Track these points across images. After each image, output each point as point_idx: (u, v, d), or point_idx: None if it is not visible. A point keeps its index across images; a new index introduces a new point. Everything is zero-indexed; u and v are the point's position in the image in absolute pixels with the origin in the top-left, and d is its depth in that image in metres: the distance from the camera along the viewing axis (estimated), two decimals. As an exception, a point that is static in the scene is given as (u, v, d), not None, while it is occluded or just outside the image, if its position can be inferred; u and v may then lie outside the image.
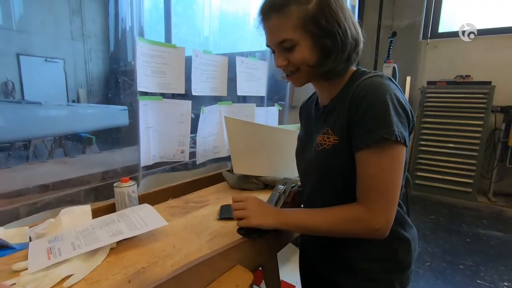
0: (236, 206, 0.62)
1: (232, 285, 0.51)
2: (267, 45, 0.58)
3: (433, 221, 2.63)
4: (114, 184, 0.83)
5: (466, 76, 3.23)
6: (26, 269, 0.51)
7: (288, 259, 1.33)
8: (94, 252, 0.57)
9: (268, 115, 1.63)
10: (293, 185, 0.73)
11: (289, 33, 0.52)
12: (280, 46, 0.55)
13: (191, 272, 0.48)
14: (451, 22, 3.54)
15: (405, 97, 0.54)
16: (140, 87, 0.98)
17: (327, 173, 0.59)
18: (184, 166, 1.27)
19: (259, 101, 1.59)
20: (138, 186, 1.06)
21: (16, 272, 0.52)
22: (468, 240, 2.29)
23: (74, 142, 3.11)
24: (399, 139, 0.48)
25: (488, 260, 2.00)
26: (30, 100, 3.12)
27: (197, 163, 1.24)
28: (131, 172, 1.02)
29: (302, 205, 0.74)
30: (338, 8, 0.51)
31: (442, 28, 3.52)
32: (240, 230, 0.61)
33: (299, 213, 0.60)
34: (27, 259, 0.55)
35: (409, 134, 0.53)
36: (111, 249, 0.60)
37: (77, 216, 0.71)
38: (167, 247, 0.62)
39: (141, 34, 1.04)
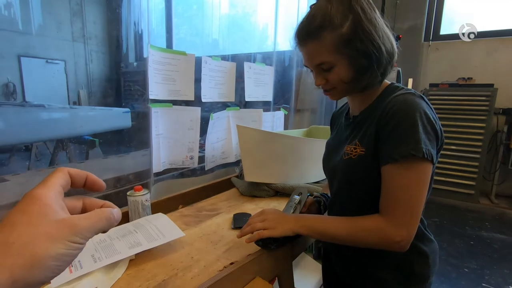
0: (256, 219, 0.63)
1: (254, 299, 0.51)
2: (305, 65, 0.60)
3: (436, 223, 2.63)
4: (128, 193, 0.84)
5: (468, 78, 3.24)
6: (49, 283, 0.52)
7: (296, 265, 1.33)
8: (115, 264, 0.57)
9: (275, 120, 1.63)
10: (308, 194, 0.74)
11: (325, 57, 0.55)
12: (318, 68, 0.57)
13: (214, 286, 0.48)
14: (453, 24, 3.55)
15: (436, 115, 0.55)
16: (152, 95, 0.98)
17: (350, 181, 0.60)
18: (193, 172, 1.27)
19: (265, 105, 1.59)
20: (149, 192, 1.06)
21: None
22: (472, 242, 2.30)
23: (77, 144, 3.11)
24: (426, 156, 0.49)
25: (493, 263, 2.00)
26: (33, 102, 3.12)
27: (206, 169, 1.25)
28: (142, 178, 1.02)
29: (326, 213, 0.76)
30: (371, 27, 0.52)
31: (443, 31, 3.53)
32: (258, 241, 0.61)
33: (318, 218, 0.62)
34: (48, 272, 0.55)
35: (438, 152, 0.54)
36: (130, 260, 0.60)
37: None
38: (185, 258, 0.62)
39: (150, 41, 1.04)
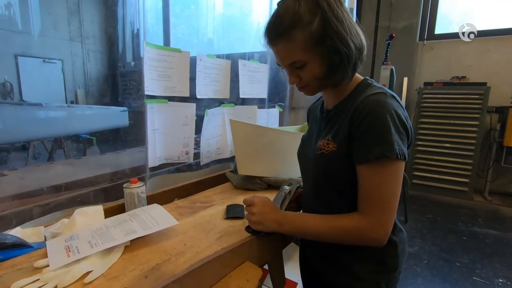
0: (246, 210, 0.67)
1: (243, 280, 0.54)
2: (278, 64, 0.61)
3: (430, 220, 2.68)
4: (124, 185, 0.86)
5: (462, 77, 3.29)
6: (48, 266, 0.54)
7: (290, 258, 1.36)
8: (110, 250, 0.60)
9: (269, 117, 1.66)
10: (297, 185, 0.77)
11: (297, 56, 0.55)
12: (290, 66, 0.58)
13: (205, 267, 0.51)
14: (447, 24, 3.60)
15: (406, 113, 0.57)
16: (147, 91, 1.00)
17: (323, 175, 0.63)
18: (188, 167, 1.30)
19: (260, 102, 1.62)
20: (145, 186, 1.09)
21: (38, 269, 0.54)
22: (464, 238, 2.34)
23: (75, 143, 3.13)
24: (399, 156, 0.52)
25: (484, 258, 2.04)
26: (30, 101, 3.13)
27: (201, 164, 1.28)
28: (138, 173, 1.05)
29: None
30: (339, 24, 0.53)
31: (438, 30, 3.58)
32: (248, 228, 0.64)
33: (301, 219, 0.63)
34: (46, 257, 0.58)
35: (407, 148, 0.56)
36: (126, 247, 0.63)
37: (90, 216, 0.74)
38: (178, 245, 0.65)
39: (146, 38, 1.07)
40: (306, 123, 1.78)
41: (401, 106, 0.56)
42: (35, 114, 2.78)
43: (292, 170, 1.10)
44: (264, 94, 1.56)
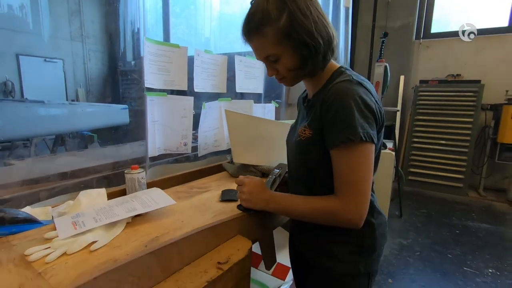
0: (237, 189, 0.72)
1: (233, 249, 0.59)
2: (256, 58, 0.66)
3: (424, 214, 2.73)
4: (125, 171, 0.92)
5: (457, 75, 3.35)
6: (57, 236, 0.60)
7: (284, 246, 1.41)
8: (113, 224, 0.65)
9: (266, 112, 1.72)
10: (287, 169, 0.82)
11: (270, 50, 0.60)
12: (266, 60, 0.63)
13: (200, 235, 0.56)
14: (443, 23, 3.65)
15: (374, 97, 0.60)
16: (147, 84, 1.06)
17: (301, 159, 0.67)
18: (187, 158, 1.35)
19: (256, 98, 1.68)
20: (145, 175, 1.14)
21: (48, 240, 0.60)
22: (457, 231, 2.40)
23: (76, 140, 3.18)
24: (364, 139, 0.54)
25: (475, 250, 2.10)
26: (33, 99, 3.19)
27: (199, 155, 1.33)
28: (139, 163, 1.10)
29: None
30: (304, 19, 0.56)
31: (434, 29, 3.63)
32: (240, 206, 0.69)
33: (286, 200, 0.67)
34: (55, 230, 0.63)
35: (378, 132, 0.60)
36: (127, 223, 0.68)
37: (94, 197, 0.79)
38: (175, 222, 0.70)
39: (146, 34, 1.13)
40: (301, 118, 1.84)
41: (368, 91, 0.59)
42: (37, 111, 2.84)
43: (284, 159, 1.16)
44: (260, 89, 1.62)
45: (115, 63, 5.09)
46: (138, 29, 1.14)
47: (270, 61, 0.62)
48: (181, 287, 0.48)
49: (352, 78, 0.60)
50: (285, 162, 1.02)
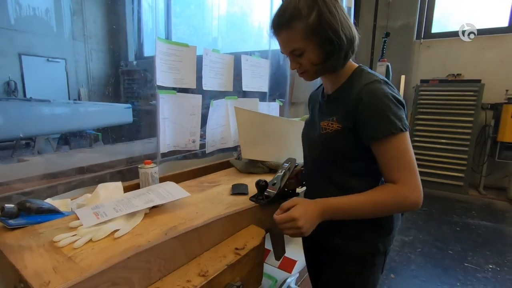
0: (287, 226, 0.62)
1: (248, 237, 0.63)
2: (281, 52, 0.70)
3: (426, 212, 2.76)
4: (139, 166, 0.95)
5: (458, 74, 3.38)
6: (81, 225, 0.63)
7: (290, 240, 1.45)
8: (133, 214, 0.69)
9: (270, 110, 1.75)
10: (296, 164, 0.85)
11: (296, 44, 0.64)
12: (291, 54, 0.67)
13: (217, 223, 0.59)
14: (443, 23, 3.69)
15: (397, 90, 0.66)
16: (159, 82, 1.09)
17: (328, 152, 0.70)
18: (195, 155, 1.39)
19: (261, 96, 1.71)
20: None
21: (72, 229, 0.63)
22: (458, 229, 2.43)
23: (81, 138, 3.22)
24: (403, 129, 0.61)
25: (476, 246, 2.13)
26: (39, 98, 3.22)
27: (207, 152, 1.36)
28: (150, 159, 1.13)
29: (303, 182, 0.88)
30: (332, 17, 0.61)
31: (435, 29, 3.67)
32: (252, 198, 0.73)
33: (341, 204, 0.65)
34: (77, 220, 0.67)
35: (406, 117, 0.65)
36: (145, 214, 0.72)
37: (112, 190, 0.83)
38: (191, 213, 0.73)
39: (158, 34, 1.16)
40: (305, 116, 1.88)
41: (392, 86, 0.66)
42: (42, 110, 2.87)
43: (291, 155, 1.19)
44: (265, 88, 1.65)
45: (117, 63, 5.12)
46: (142, 28, 1.17)
47: (294, 55, 0.66)
48: (204, 269, 0.51)
49: (379, 78, 0.65)
50: (292, 157, 1.05)
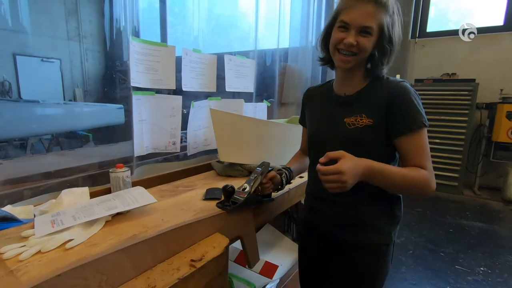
0: (332, 178, 0.61)
1: (209, 247, 0.60)
2: (342, 21, 0.69)
3: (419, 213, 2.73)
4: (110, 170, 0.92)
5: (452, 74, 3.35)
6: (34, 234, 0.60)
7: (274, 245, 1.42)
8: (92, 223, 0.66)
9: (257, 111, 1.72)
10: (270, 168, 0.82)
11: (374, 23, 0.67)
12: (359, 28, 0.68)
13: (174, 233, 0.56)
14: (438, 22, 3.66)
15: None
16: (134, 83, 1.06)
17: (353, 146, 0.71)
18: (176, 158, 1.35)
19: (248, 97, 1.68)
20: (132, 174, 1.15)
21: (25, 238, 0.60)
22: (451, 230, 2.40)
23: (72, 139, 3.18)
24: (427, 124, 0.69)
25: (468, 248, 2.10)
26: (27, 98, 3.18)
27: (188, 154, 1.33)
28: (127, 162, 1.10)
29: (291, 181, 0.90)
30: (397, 25, 0.70)
31: (430, 28, 3.63)
32: (218, 204, 0.69)
33: (383, 170, 0.67)
34: (33, 228, 0.63)
35: None
36: (107, 221, 0.69)
37: (77, 196, 0.80)
38: (156, 220, 0.70)
39: (136, 34, 1.13)
40: (295, 116, 1.85)
41: None
42: (32, 110, 2.83)
43: (272, 158, 1.16)
44: (251, 88, 1.62)
45: (112, 63, 5.09)
46: (130, 29, 1.14)
47: (361, 31, 0.68)
48: (151, 284, 0.48)
49: (402, 80, 0.73)
50: (274, 160, 1.02)
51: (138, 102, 1.13)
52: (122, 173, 0.91)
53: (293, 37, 2.19)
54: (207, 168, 1.27)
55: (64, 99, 5.16)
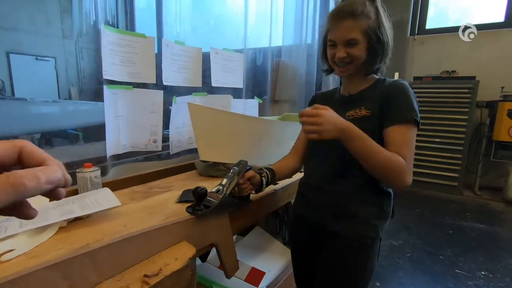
0: (310, 120, 0.65)
1: (170, 258, 0.52)
2: (330, 40, 0.75)
3: (417, 214, 2.66)
4: (77, 170, 0.84)
5: (452, 71, 3.27)
6: (-31, 244, 0.52)
7: (263, 249, 1.34)
8: (42, 229, 0.58)
9: (247, 107, 1.64)
10: (248, 167, 0.74)
11: (356, 35, 0.71)
12: (345, 42, 0.72)
13: (126, 244, 0.49)
14: (438, 18, 3.58)
15: None
16: (107, 75, 0.98)
17: None
18: (158, 157, 1.28)
19: (237, 93, 1.60)
20: (106, 174, 1.07)
21: (-40, 248, 0.52)
22: (450, 232, 2.32)
23: (61, 139, 3.10)
24: (419, 123, 0.71)
25: (468, 251, 2.03)
26: (15, 96, 3.10)
27: (171, 153, 1.25)
28: (100, 162, 1.02)
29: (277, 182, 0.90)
30: (386, 24, 0.73)
31: (429, 25, 3.55)
32: (188, 208, 0.62)
33: (362, 134, 0.68)
34: (-26, 236, 0.56)
35: None
36: (62, 228, 0.61)
37: (34, 200, 0.72)
38: (117, 226, 0.63)
39: (108, 23, 1.05)
40: (288, 113, 1.76)
41: None
42: (18, 109, 2.75)
43: (258, 157, 1.08)
44: (239, 84, 1.54)
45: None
46: (102, 17, 1.05)
47: (347, 44, 0.72)
48: (90, 306, 0.40)
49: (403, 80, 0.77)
50: (260, 159, 0.94)
51: (115, 96, 1.05)
52: (90, 173, 0.84)
53: (286, 34, 2.11)
54: (190, 167, 1.20)
55: (59, 98, 5.08)
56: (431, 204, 2.89)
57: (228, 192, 0.66)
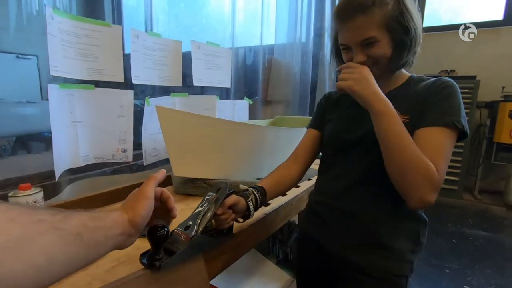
0: (348, 70, 0.59)
1: None
2: (343, 44, 0.62)
3: (418, 221, 2.52)
4: (10, 194, 0.65)
5: (451, 70, 3.15)
6: None
7: (254, 271, 1.17)
8: None
9: (236, 109, 1.46)
10: (230, 191, 0.56)
11: (373, 32, 0.58)
12: (360, 44, 0.59)
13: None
14: (435, 17, 3.47)
15: None
16: (57, 72, 0.79)
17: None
18: (130, 168, 1.09)
19: (224, 93, 1.42)
20: (61, 192, 0.88)
21: None
22: (454, 241, 2.19)
23: (36, 142, 2.87)
24: (465, 129, 0.57)
25: (475, 262, 1.89)
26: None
27: (145, 164, 1.07)
28: (49, 178, 0.83)
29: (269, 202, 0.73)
30: (411, 6, 0.59)
31: (426, 23, 3.44)
32: (143, 257, 0.44)
33: (396, 117, 0.57)
34: None
35: None
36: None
37: None
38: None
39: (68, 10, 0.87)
40: (279, 116, 1.59)
41: None
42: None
43: (246, 170, 0.90)
44: (227, 83, 1.36)
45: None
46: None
47: (364, 46, 0.60)
48: None
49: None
50: (247, 172, 0.77)
51: (70, 98, 0.86)
52: (27, 197, 0.65)
53: (279, 33, 1.94)
54: (169, 181, 1.01)
55: (42, 98, 4.82)
56: (432, 210, 2.72)
57: (200, 230, 0.48)
